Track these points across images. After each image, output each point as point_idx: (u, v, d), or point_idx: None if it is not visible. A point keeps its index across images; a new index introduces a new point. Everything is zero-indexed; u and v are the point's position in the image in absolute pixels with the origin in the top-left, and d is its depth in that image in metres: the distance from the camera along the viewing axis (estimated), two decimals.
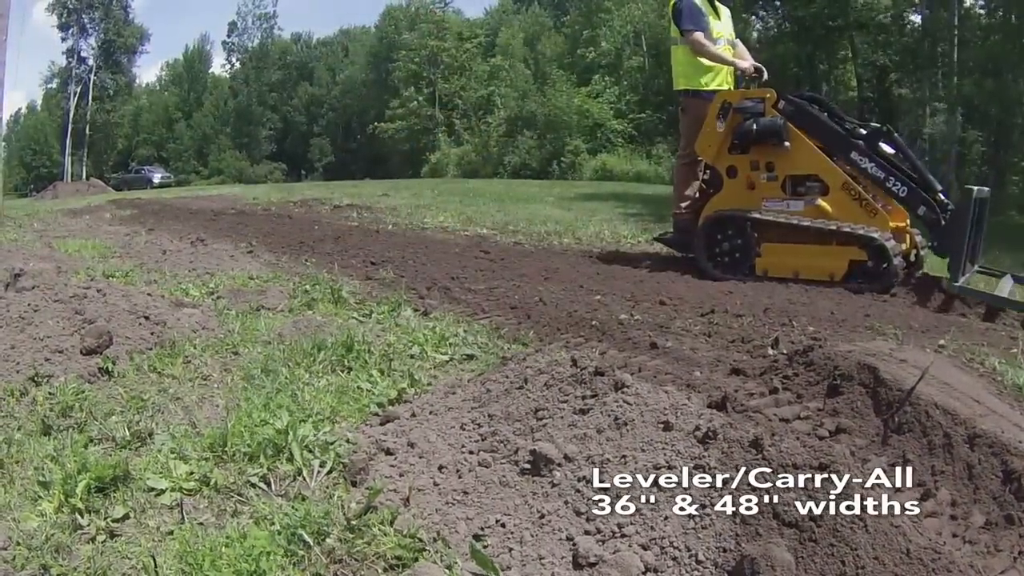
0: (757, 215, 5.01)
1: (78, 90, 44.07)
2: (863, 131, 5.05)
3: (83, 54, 45.10)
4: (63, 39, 44.90)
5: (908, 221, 5.00)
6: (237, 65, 51.61)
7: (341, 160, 49.53)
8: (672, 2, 5.70)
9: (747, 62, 5.57)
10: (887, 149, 4.91)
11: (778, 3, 26.70)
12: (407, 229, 8.28)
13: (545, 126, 31.20)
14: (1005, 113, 20.97)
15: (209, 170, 47.72)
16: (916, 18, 24.18)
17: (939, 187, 4.81)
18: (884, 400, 2.20)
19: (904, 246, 4.86)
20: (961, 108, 21.83)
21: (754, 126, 4.97)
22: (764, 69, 5.52)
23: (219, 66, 55.76)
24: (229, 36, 51.69)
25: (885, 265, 4.56)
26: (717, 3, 5.72)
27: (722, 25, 5.70)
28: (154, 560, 1.56)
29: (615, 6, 34.34)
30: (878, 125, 5.15)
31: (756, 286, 4.71)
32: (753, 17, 28.37)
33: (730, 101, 5.18)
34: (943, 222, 4.62)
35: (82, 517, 1.74)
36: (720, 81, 5.63)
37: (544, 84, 33.97)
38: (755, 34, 28.85)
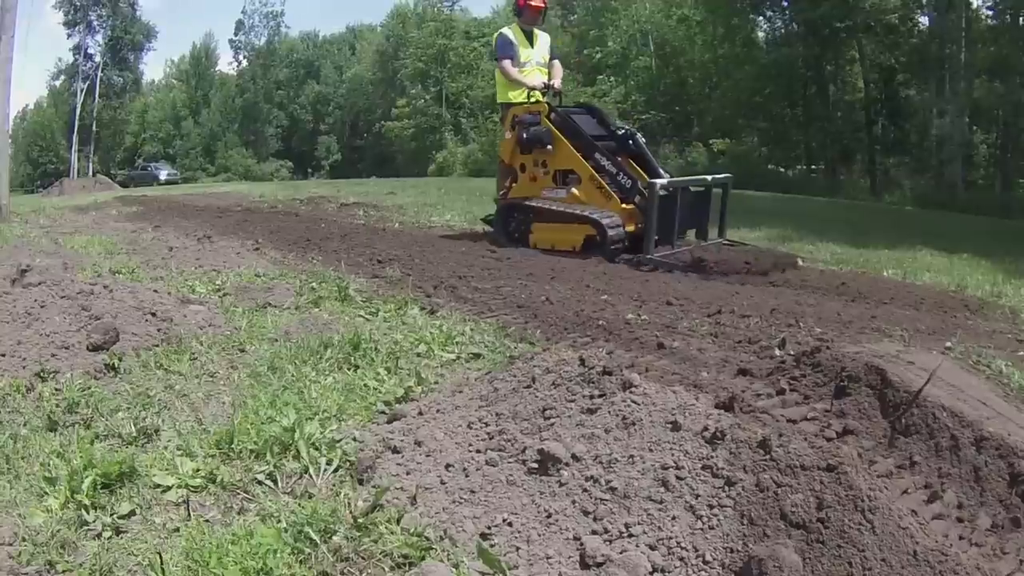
0: (528, 203, 6.37)
1: (85, 87, 44.07)
2: (620, 132, 6.56)
3: (90, 51, 45.15)
4: (69, 35, 44.98)
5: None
6: (244, 63, 51.72)
7: (348, 158, 49.69)
8: (495, 35, 7.21)
9: (540, 81, 6.72)
10: (634, 148, 6.35)
11: (786, 4, 26.64)
12: (414, 227, 8.29)
13: None
14: (1013, 115, 20.88)
15: (216, 167, 47.84)
16: (924, 20, 24.10)
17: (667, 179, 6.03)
18: (891, 402, 2.19)
19: (637, 225, 5.89)
20: (968, 110, 21.73)
21: (524, 135, 6.28)
22: (553, 87, 6.70)
23: (226, 64, 55.66)
24: (236, 34, 51.76)
25: (604, 239, 5.69)
26: (536, 31, 7.02)
27: (534, 51, 6.92)
28: (160, 557, 1.55)
29: (622, 6, 34.24)
30: (627, 128, 6.79)
31: (763, 289, 4.72)
32: (760, 18, 28.33)
33: (516, 114, 6.49)
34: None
35: (88, 513, 1.73)
36: (527, 96, 6.81)
37: None
38: (762, 35, 28.84)
